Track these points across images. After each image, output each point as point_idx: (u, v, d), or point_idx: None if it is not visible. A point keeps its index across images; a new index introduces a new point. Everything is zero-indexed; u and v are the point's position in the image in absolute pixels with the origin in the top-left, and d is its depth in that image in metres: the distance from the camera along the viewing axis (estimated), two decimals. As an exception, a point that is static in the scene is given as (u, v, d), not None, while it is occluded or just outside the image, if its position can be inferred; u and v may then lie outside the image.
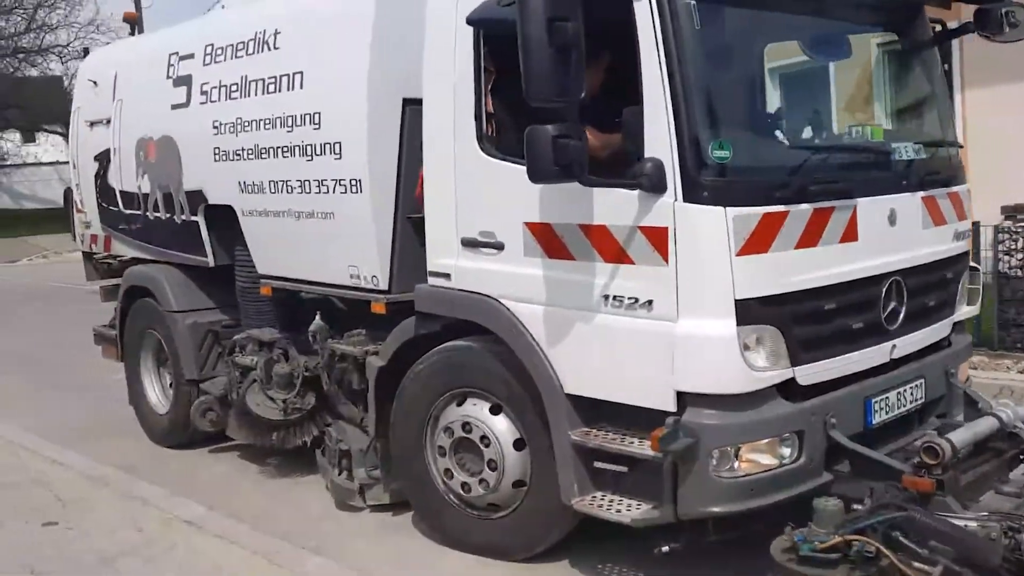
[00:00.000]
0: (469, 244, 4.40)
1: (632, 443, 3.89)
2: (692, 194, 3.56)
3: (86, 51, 8.10)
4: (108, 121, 7.17)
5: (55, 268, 22.38)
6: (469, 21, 3.95)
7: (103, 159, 7.30)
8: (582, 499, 4.09)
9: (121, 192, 7.09)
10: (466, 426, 4.55)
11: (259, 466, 6.51)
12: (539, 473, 4.37)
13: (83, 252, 8.14)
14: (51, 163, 36.56)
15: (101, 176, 7.35)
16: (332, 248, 5.23)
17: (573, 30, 3.36)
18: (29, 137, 37.94)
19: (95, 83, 7.33)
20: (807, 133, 4.28)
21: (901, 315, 4.19)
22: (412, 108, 4.87)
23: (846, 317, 3.94)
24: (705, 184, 3.57)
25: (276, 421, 5.88)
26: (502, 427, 4.45)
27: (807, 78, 4.22)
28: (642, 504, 3.95)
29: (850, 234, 3.91)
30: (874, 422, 4.08)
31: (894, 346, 4.15)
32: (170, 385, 7.12)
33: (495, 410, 4.49)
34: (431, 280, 4.63)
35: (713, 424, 3.60)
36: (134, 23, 7.86)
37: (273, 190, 5.52)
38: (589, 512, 4.05)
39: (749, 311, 3.59)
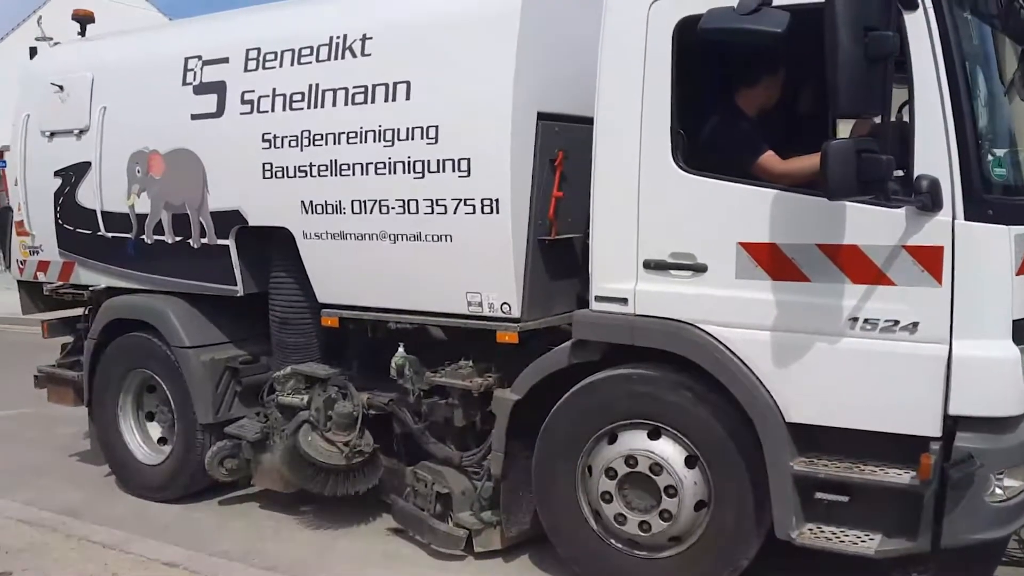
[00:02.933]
0: (656, 267, 4.15)
1: (875, 471, 3.77)
2: (975, 212, 3.52)
3: (33, 51, 7.01)
4: (81, 132, 6.26)
5: None
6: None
7: (70, 174, 6.36)
8: (801, 532, 3.93)
9: (103, 213, 6.19)
10: (630, 460, 4.27)
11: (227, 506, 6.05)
12: (721, 493, 4.15)
13: (19, 281, 7.05)
14: None
15: (67, 194, 6.39)
16: (445, 273, 4.79)
17: (893, 41, 3.25)
18: None
19: (60, 87, 6.38)
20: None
21: None
22: (545, 124, 4.58)
23: None
24: (989, 202, 3.55)
25: (338, 466, 5.30)
26: (669, 451, 4.22)
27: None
28: (873, 534, 3.85)
29: None
30: None
31: None
32: (152, 429, 6.35)
33: (655, 435, 4.25)
34: (597, 306, 4.33)
35: (995, 448, 3.56)
36: (86, 22, 6.91)
37: (358, 210, 4.98)
38: (815, 545, 3.90)
39: (1019, 332, 3.59)
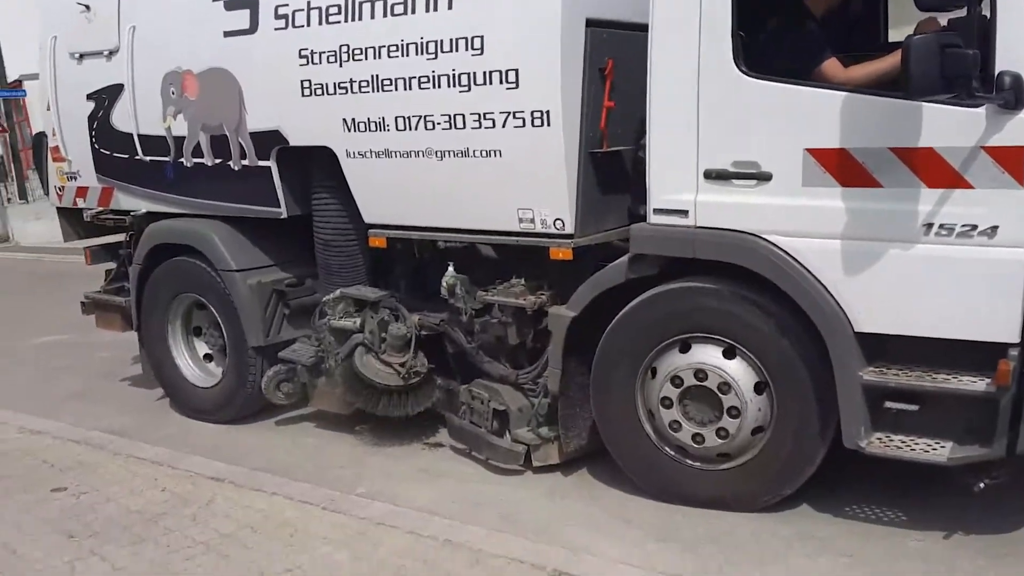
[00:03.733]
0: (717, 177, 4.02)
1: (948, 379, 3.70)
2: None
3: (56, -30, 6.82)
4: (111, 53, 6.12)
5: None
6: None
7: (103, 97, 6.24)
8: (871, 441, 3.89)
9: (140, 136, 6.09)
10: (700, 374, 4.23)
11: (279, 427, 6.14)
12: (781, 422, 4.13)
13: (58, 208, 7.02)
14: None
15: (101, 118, 6.29)
16: (494, 190, 4.68)
17: None
18: None
19: (87, 7, 6.21)
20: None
21: None
22: (593, 31, 4.40)
23: None
24: None
25: (395, 387, 5.30)
26: (741, 373, 4.17)
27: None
28: (944, 442, 3.80)
29: None
30: None
31: None
32: (199, 345, 6.41)
33: (729, 354, 4.19)
34: (656, 219, 4.22)
35: None
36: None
37: (403, 127, 4.85)
38: (884, 454, 3.86)
39: None
